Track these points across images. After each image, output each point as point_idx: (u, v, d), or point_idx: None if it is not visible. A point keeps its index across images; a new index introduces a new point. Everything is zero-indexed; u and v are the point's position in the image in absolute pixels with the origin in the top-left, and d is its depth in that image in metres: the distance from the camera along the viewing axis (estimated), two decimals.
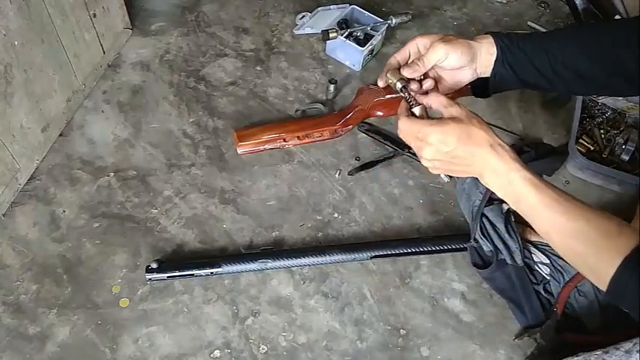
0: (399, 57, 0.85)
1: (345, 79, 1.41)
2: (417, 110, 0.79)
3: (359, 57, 1.39)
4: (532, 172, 0.73)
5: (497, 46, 0.84)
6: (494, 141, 0.74)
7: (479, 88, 0.90)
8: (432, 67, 0.84)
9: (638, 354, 0.76)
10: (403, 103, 0.81)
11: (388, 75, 0.82)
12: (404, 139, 0.80)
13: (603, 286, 0.68)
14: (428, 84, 0.84)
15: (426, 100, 0.80)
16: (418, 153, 0.79)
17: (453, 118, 0.74)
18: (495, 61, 0.84)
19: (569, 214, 0.70)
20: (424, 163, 0.79)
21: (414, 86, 0.83)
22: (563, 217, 0.70)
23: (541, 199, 0.71)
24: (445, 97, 0.78)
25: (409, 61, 0.84)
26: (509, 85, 0.90)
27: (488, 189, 1.07)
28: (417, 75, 0.83)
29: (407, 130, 0.78)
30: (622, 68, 0.80)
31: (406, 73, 0.82)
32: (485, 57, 0.84)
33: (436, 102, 0.79)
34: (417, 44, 0.84)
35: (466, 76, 0.86)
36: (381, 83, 0.85)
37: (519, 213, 0.76)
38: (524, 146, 1.26)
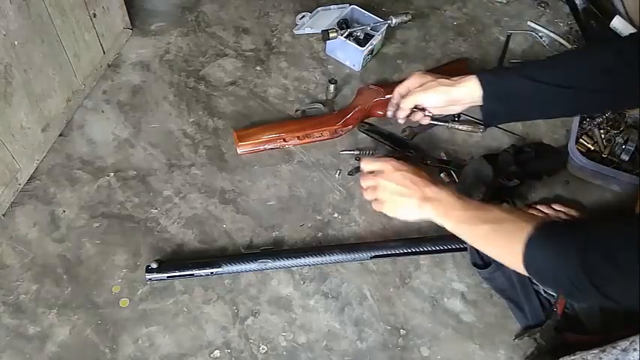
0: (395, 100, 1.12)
1: (345, 79, 1.40)
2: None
3: (359, 57, 1.39)
4: (443, 203, 0.88)
5: (482, 85, 0.95)
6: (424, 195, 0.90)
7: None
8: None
9: (634, 352, 0.77)
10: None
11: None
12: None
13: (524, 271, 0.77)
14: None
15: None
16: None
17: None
18: (484, 98, 0.96)
19: (477, 224, 0.84)
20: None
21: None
22: (474, 228, 0.84)
23: (455, 226, 0.86)
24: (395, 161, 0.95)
25: (394, 103, 1.12)
26: (501, 118, 1.06)
27: (487, 189, 1.07)
28: (400, 116, 1.11)
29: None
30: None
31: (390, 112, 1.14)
32: (468, 97, 0.99)
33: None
34: (408, 86, 1.08)
35: (454, 110, 1.04)
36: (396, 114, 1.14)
37: None
38: (524, 146, 1.26)
